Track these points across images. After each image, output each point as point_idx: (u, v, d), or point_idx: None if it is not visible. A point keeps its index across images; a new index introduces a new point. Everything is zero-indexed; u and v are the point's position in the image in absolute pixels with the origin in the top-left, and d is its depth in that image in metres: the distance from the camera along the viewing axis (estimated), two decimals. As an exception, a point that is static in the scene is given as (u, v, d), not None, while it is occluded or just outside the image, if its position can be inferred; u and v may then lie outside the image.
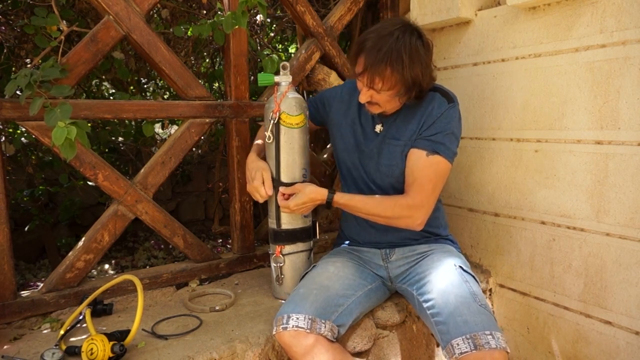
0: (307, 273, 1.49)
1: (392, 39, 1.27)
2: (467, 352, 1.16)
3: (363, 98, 1.37)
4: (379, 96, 1.35)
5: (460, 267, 1.39)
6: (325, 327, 1.26)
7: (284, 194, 1.46)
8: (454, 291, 1.29)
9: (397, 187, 1.47)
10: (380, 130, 1.50)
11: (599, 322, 1.58)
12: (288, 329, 1.24)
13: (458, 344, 1.18)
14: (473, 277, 1.38)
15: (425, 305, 1.34)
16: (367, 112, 1.49)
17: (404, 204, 1.39)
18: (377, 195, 1.46)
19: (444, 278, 1.35)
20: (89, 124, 2.21)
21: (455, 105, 1.43)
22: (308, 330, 1.23)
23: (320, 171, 2.18)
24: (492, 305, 1.95)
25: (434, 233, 1.56)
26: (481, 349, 1.16)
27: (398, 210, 1.39)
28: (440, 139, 1.39)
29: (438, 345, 1.73)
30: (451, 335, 1.21)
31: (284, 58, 2.01)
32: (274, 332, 1.28)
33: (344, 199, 1.43)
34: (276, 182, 1.49)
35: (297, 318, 1.25)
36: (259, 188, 1.45)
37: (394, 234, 1.52)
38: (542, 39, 1.66)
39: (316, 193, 1.42)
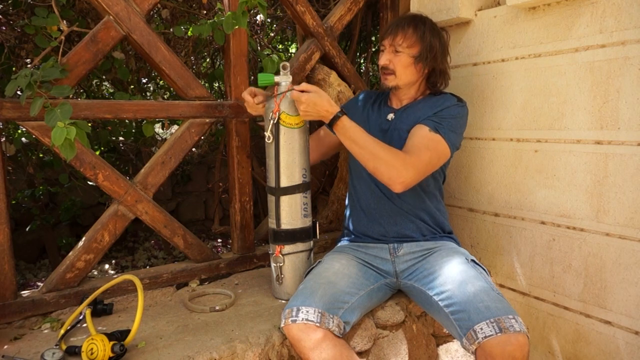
0: (312, 268, 1.50)
1: (418, 14, 1.58)
2: (492, 335, 1.16)
3: (383, 59, 1.54)
4: (397, 59, 1.51)
5: (473, 260, 1.43)
6: (333, 322, 1.25)
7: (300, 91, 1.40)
8: (471, 281, 1.30)
9: None
10: (391, 119, 1.59)
11: (599, 322, 1.58)
12: (297, 322, 1.23)
13: (482, 329, 1.18)
14: (485, 270, 1.41)
15: (437, 298, 1.34)
16: (380, 108, 1.63)
17: (400, 155, 1.39)
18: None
19: (457, 270, 1.36)
20: (89, 124, 2.21)
21: (464, 105, 1.55)
22: (318, 324, 1.23)
23: (321, 171, 2.19)
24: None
25: (441, 227, 1.60)
26: (506, 331, 1.15)
27: (393, 157, 1.37)
28: (442, 122, 1.47)
29: (438, 345, 1.73)
30: (473, 321, 1.20)
31: (284, 58, 2.01)
32: (282, 325, 1.28)
33: (350, 123, 1.39)
34: (276, 189, 1.49)
35: (307, 311, 1.24)
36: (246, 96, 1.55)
37: (402, 225, 1.54)
38: (542, 39, 1.66)
39: (330, 102, 1.39)
